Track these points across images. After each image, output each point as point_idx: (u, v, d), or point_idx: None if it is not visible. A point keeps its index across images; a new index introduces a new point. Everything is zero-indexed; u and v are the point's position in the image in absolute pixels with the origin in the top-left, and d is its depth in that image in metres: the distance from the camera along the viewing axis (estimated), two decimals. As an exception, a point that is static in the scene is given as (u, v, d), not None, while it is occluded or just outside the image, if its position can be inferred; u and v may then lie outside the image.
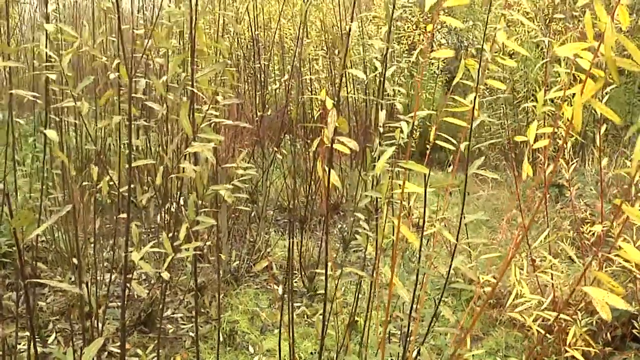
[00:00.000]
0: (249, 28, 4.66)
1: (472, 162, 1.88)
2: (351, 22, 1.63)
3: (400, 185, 1.72)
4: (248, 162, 4.51)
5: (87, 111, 1.40)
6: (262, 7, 5.07)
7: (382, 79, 2.12)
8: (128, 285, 1.77)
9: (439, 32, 7.75)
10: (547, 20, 5.16)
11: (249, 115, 5.00)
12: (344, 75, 1.66)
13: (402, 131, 1.91)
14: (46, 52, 1.77)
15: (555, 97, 1.75)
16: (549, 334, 2.86)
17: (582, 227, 3.44)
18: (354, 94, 4.84)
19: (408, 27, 6.88)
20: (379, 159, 1.62)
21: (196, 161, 2.47)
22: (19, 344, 2.83)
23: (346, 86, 4.83)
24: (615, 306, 1.03)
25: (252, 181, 4.78)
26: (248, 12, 4.53)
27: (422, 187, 1.81)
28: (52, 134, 1.42)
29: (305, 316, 3.78)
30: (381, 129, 2.10)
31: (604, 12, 1.13)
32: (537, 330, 2.07)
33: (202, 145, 1.71)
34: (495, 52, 1.87)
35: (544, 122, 4.95)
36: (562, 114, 1.56)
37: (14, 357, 2.28)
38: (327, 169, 1.77)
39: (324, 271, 2.05)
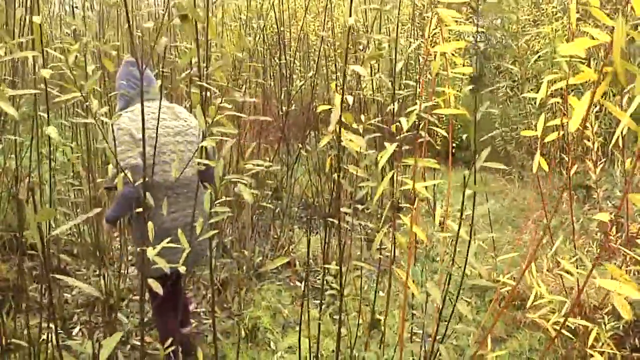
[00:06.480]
0: (273, 24, 4.65)
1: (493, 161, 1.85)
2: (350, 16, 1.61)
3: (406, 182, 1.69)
4: (273, 159, 4.52)
5: (97, 109, 1.39)
6: (287, 3, 5.06)
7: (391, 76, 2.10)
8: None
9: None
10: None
11: (274, 111, 5.00)
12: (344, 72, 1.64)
13: (401, 127, 1.89)
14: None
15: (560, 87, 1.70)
16: (573, 336, 2.81)
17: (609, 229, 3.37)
18: (380, 93, 4.81)
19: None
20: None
21: (207, 155, 2.47)
22: (44, 334, 2.88)
23: (372, 84, 4.81)
24: (630, 296, 1.00)
25: (276, 178, 4.79)
26: (274, 8, 4.53)
27: (443, 185, 1.79)
28: (52, 130, 1.39)
29: (328, 314, 3.77)
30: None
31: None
32: (557, 333, 2.03)
33: (212, 140, 1.71)
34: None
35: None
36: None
37: (37, 347, 2.31)
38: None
39: (344, 269, 2.05)
